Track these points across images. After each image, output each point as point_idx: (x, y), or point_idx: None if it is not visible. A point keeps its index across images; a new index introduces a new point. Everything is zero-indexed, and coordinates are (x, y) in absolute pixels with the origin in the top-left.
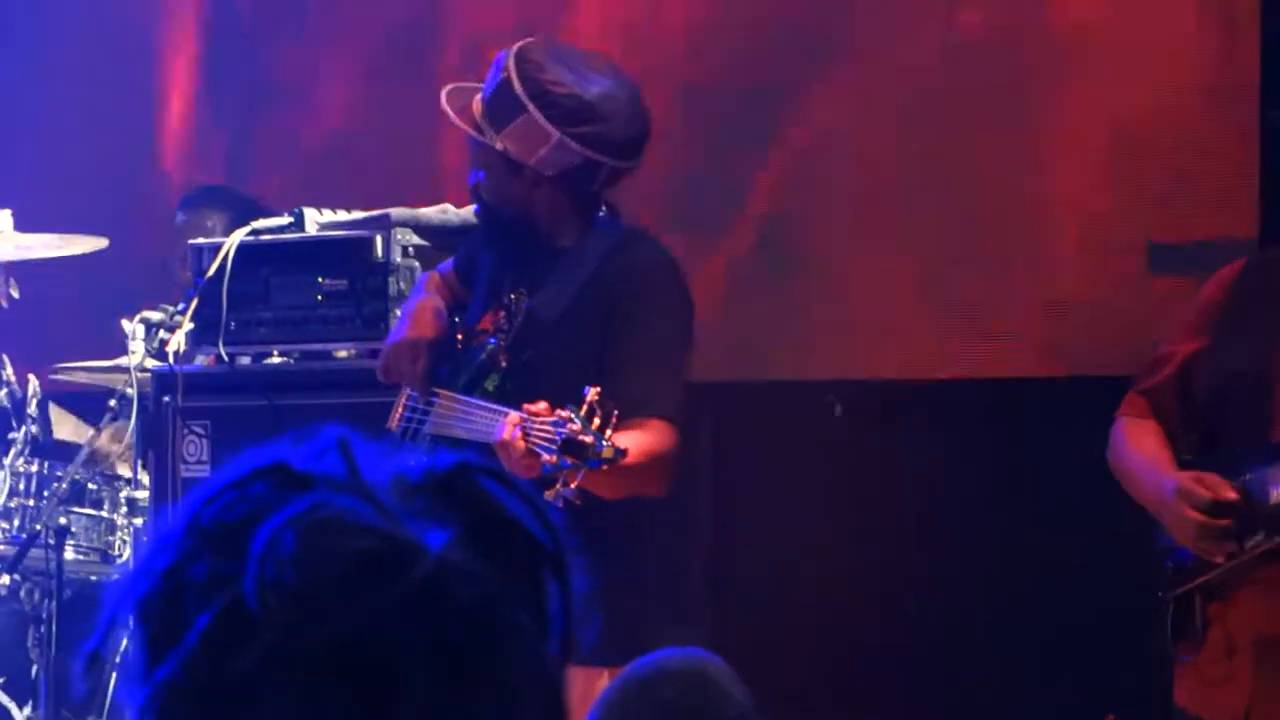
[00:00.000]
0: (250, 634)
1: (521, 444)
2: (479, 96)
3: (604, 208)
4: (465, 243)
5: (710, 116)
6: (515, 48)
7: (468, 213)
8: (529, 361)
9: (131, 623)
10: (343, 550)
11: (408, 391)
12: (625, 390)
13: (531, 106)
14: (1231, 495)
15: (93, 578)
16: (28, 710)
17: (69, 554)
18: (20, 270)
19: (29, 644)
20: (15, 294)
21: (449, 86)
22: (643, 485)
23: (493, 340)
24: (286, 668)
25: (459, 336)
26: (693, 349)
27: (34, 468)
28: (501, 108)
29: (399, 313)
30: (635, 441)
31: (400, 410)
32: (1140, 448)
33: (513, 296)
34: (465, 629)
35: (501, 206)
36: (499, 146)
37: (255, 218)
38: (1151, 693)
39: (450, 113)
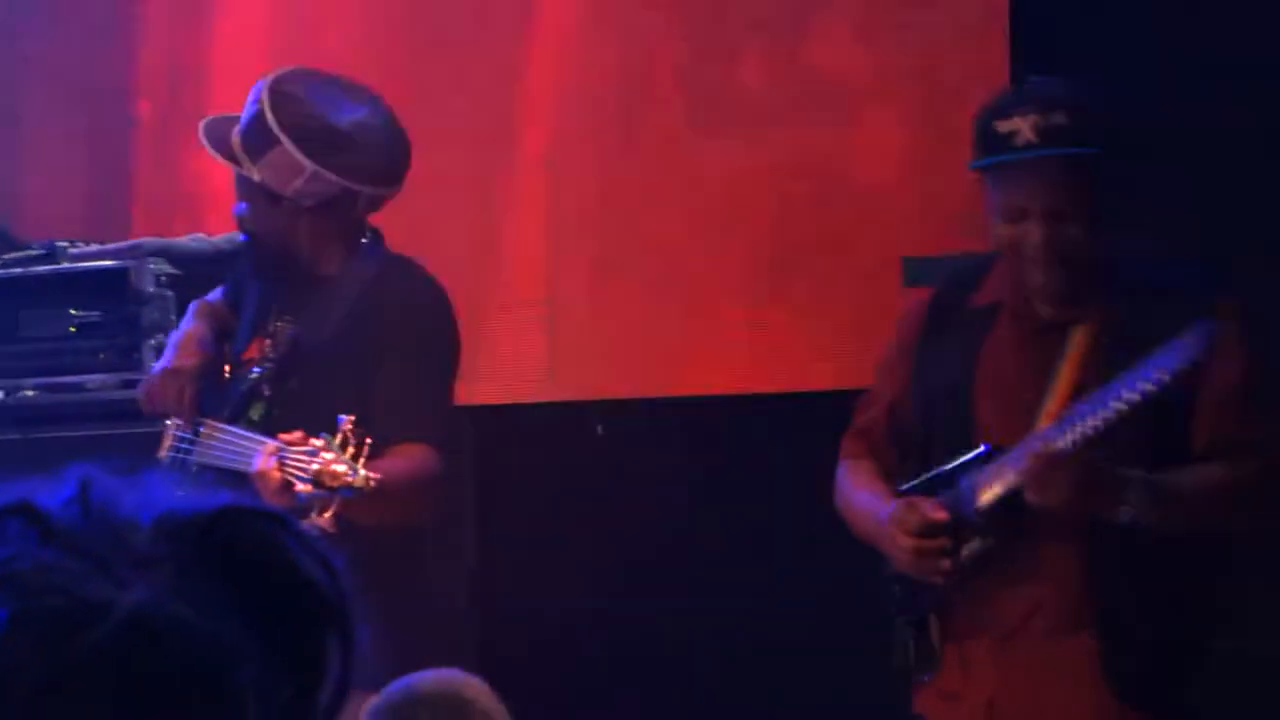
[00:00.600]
0: None
1: (277, 474)
2: (237, 128)
3: (368, 234)
4: (233, 271)
5: None
6: (269, 78)
7: (221, 240)
8: (293, 390)
9: None
10: (25, 609)
11: (176, 421)
12: (389, 416)
13: (284, 138)
14: (941, 515)
15: None
16: None
17: None
18: None
19: None
20: None
21: (207, 118)
22: (405, 511)
23: (257, 370)
24: None
25: (226, 366)
26: (457, 374)
27: None
28: (256, 139)
29: (164, 342)
30: (396, 468)
31: (169, 440)
32: (858, 485)
33: (278, 325)
34: (153, 688)
35: (265, 236)
36: (256, 178)
37: (6, 249)
38: (889, 705)
39: (206, 143)
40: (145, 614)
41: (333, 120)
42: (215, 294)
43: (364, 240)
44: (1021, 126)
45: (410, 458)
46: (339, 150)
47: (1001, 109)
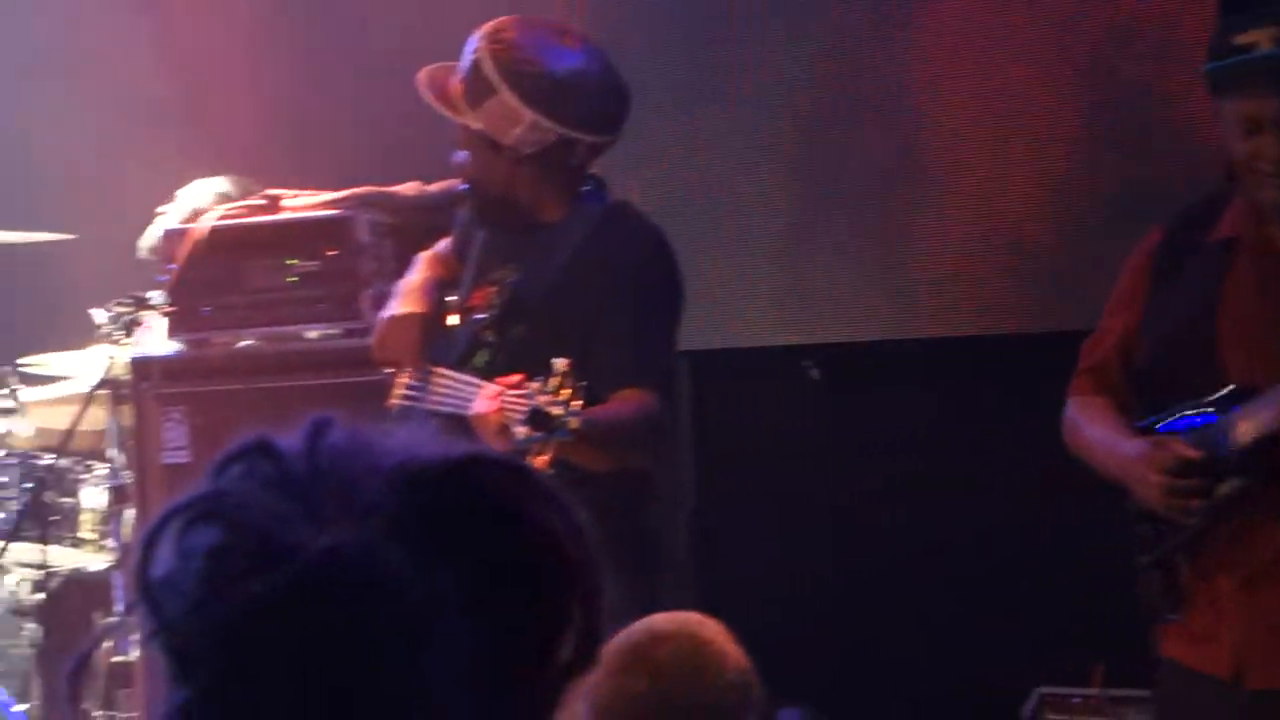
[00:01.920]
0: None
1: (496, 417)
2: (456, 77)
3: (589, 181)
4: (458, 220)
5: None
6: (486, 27)
7: (439, 189)
8: (517, 336)
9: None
10: (221, 544)
11: (405, 370)
12: (611, 361)
13: (503, 87)
14: (1194, 454)
15: (79, 567)
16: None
17: (53, 544)
18: None
19: (21, 636)
20: None
21: (428, 67)
22: (628, 454)
23: (481, 317)
24: (166, 650)
25: (452, 313)
26: (679, 320)
27: (12, 460)
28: (475, 88)
29: (382, 290)
30: (614, 411)
31: (399, 389)
32: (1094, 423)
33: (501, 273)
34: (330, 630)
35: (485, 185)
36: (476, 127)
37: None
38: (1140, 643)
39: (426, 93)
40: (332, 560)
41: (550, 68)
42: (442, 244)
43: (585, 188)
44: (1260, 39)
45: (630, 402)
46: (557, 99)
47: (1238, 23)
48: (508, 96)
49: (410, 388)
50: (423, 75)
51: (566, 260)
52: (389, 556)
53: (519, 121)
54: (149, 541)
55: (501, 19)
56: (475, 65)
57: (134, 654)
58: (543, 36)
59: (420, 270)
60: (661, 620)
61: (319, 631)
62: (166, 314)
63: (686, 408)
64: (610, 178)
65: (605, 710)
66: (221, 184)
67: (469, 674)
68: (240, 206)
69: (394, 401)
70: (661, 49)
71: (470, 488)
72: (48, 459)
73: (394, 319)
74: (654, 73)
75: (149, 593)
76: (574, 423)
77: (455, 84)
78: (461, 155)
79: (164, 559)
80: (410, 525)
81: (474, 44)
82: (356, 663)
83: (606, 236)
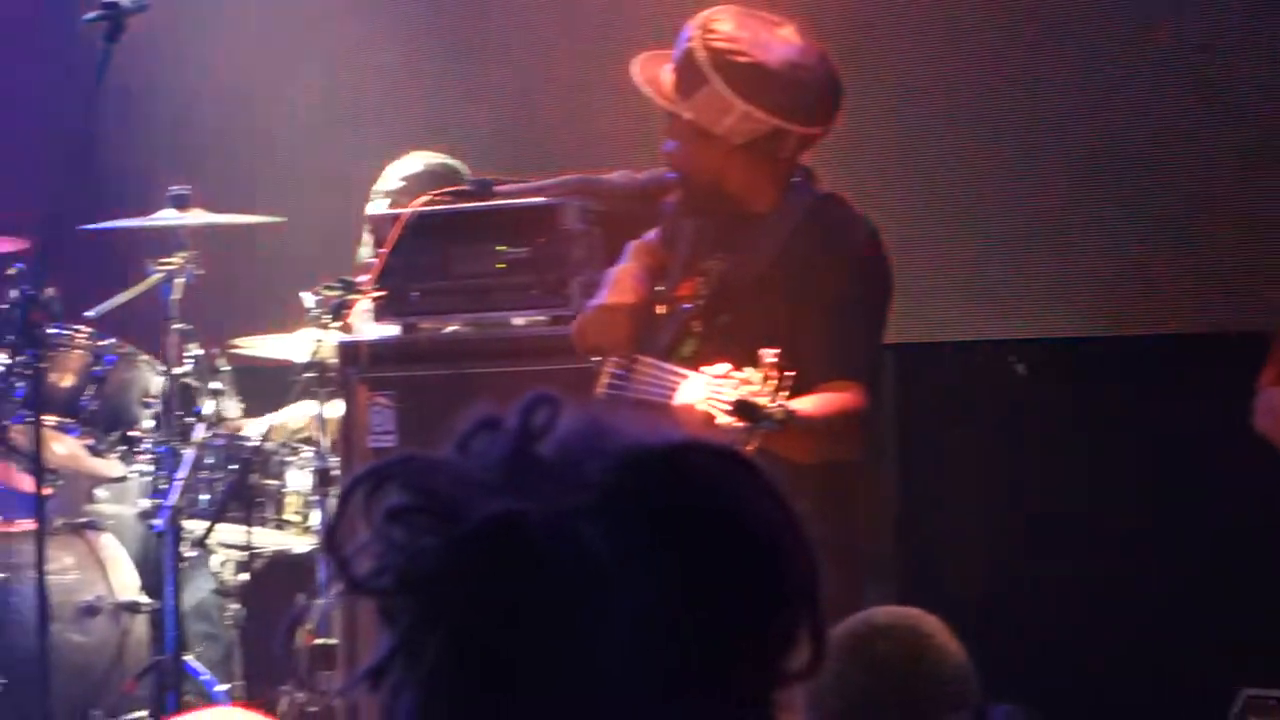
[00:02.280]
0: None
1: (701, 407)
2: (668, 66)
3: (799, 173)
4: (666, 210)
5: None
6: (699, 17)
7: (648, 178)
8: (724, 326)
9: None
10: (401, 506)
11: (611, 359)
12: (819, 353)
13: (715, 77)
14: None
15: (282, 549)
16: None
17: (258, 525)
18: (204, 246)
19: (223, 616)
20: (199, 270)
21: (641, 55)
22: (835, 447)
23: (688, 306)
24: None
25: (660, 303)
26: (887, 314)
27: (221, 440)
28: (687, 78)
29: (591, 279)
30: (821, 403)
31: (604, 377)
32: None
33: (709, 263)
34: (492, 601)
35: (695, 174)
36: (687, 116)
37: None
38: None
39: (640, 81)
40: (505, 525)
41: (763, 59)
42: (651, 234)
43: (795, 179)
44: None
45: (837, 395)
46: (769, 89)
47: None
48: (719, 87)
49: (615, 376)
50: (636, 63)
51: (776, 251)
52: (581, 531)
53: (730, 112)
54: (341, 504)
55: (715, 9)
56: (687, 55)
57: (335, 637)
58: (756, 27)
59: (629, 259)
60: (882, 614)
61: (480, 594)
62: (374, 298)
63: (890, 403)
64: (820, 169)
65: (822, 700)
66: (431, 159)
67: (667, 663)
68: (450, 192)
69: (599, 390)
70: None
71: (688, 475)
72: (254, 441)
73: (602, 308)
74: (863, 66)
75: (337, 552)
76: (780, 414)
77: (667, 73)
78: (671, 145)
79: (354, 522)
80: (619, 506)
81: (687, 33)
82: (516, 631)
83: (817, 228)
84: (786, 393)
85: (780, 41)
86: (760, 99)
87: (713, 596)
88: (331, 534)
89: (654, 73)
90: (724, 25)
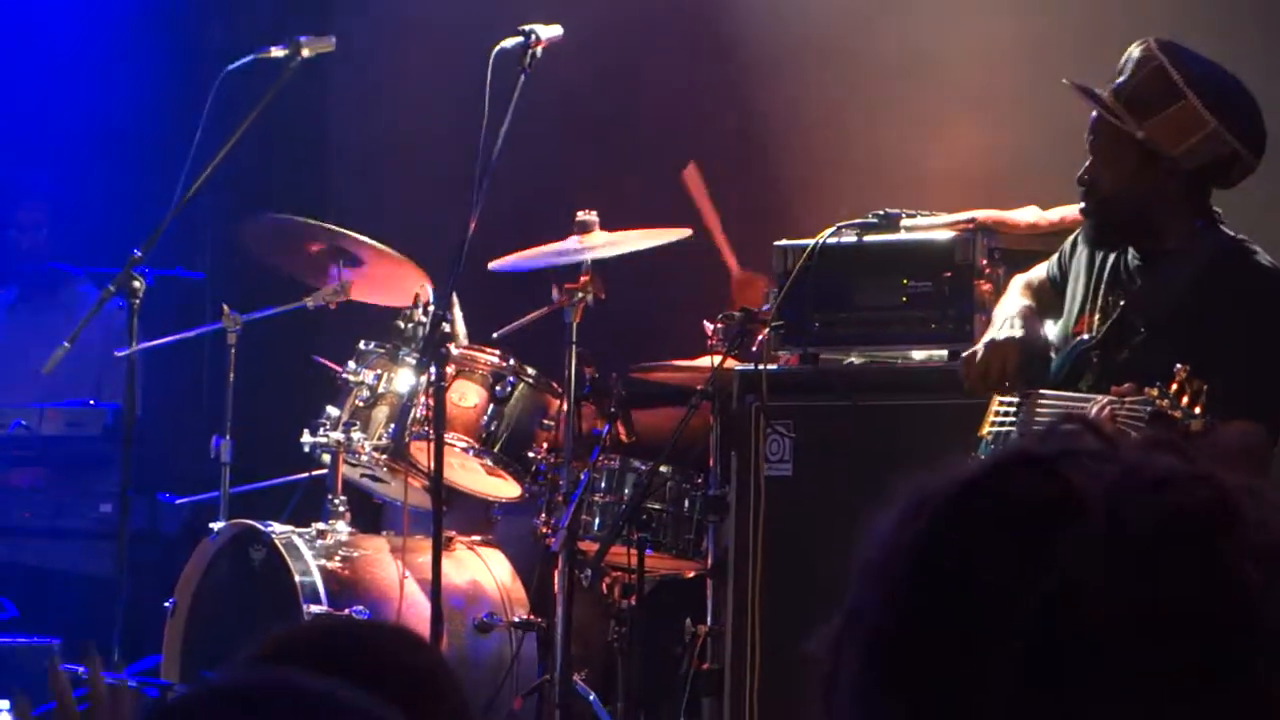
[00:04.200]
0: None
1: (1111, 425)
2: (1108, 88)
3: (1209, 214)
4: (1060, 250)
5: None
6: (1153, 38)
7: (1054, 216)
8: (1124, 362)
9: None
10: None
11: (998, 398)
12: (1223, 391)
13: (1190, 94)
14: None
15: (672, 573)
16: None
17: (649, 550)
18: (607, 270)
19: (610, 638)
20: (602, 295)
21: (1073, 80)
22: None
23: (1087, 338)
24: None
25: (1056, 339)
26: None
27: (614, 464)
28: (1150, 96)
29: (988, 316)
30: (1226, 433)
31: (991, 415)
32: None
33: (1111, 299)
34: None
35: (1119, 201)
36: (1140, 135)
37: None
38: None
39: (1089, 99)
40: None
41: (1226, 81)
42: (1037, 270)
43: (1200, 222)
44: None
45: (1238, 429)
46: (1239, 111)
47: None
48: (1194, 103)
49: (1004, 412)
50: (1071, 83)
51: (1184, 288)
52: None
53: (1198, 130)
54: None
55: (1161, 37)
56: (1156, 72)
57: (719, 662)
58: (1197, 53)
59: (1015, 295)
60: None
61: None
62: (775, 328)
63: None
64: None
65: None
66: None
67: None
68: (856, 224)
69: (986, 427)
70: None
71: (1170, 510)
72: (647, 465)
73: (989, 344)
74: None
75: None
76: (1196, 425)
77: (1109, 94)
78: (1097, 170)
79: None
80: (1116, 542)
81: (1143, 52)
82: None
83: (1228, 269)
84: (1201, 406)
85: (1222, 68)
86: (1233, 120)
87: (1164, 654)
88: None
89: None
90: (1179, 46)
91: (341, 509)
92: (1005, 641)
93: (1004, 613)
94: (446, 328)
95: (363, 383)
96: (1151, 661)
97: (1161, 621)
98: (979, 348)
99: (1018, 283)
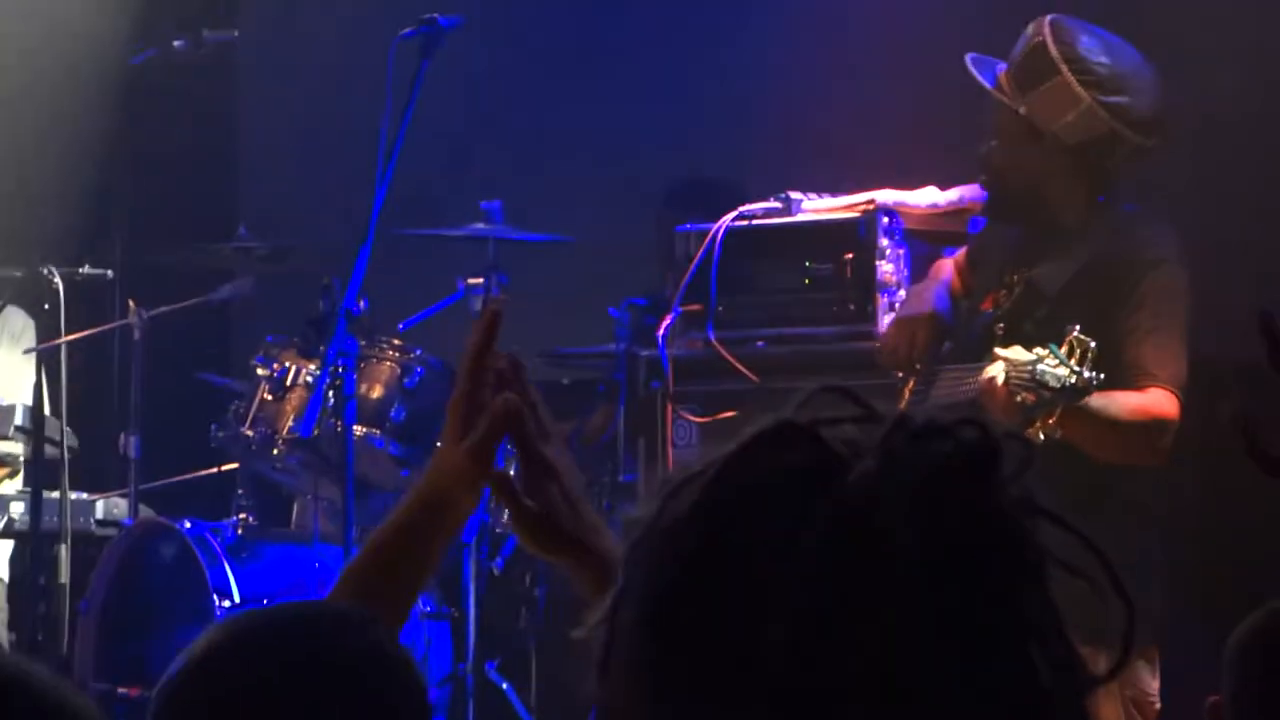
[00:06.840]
0: None
1: (1001, 387)
2: (1001, 66)
3: (1109, 194)
4: (975, 227)
5: None
6: (1046, 16)
7: (952, 195)
8: (1026, 334)
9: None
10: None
11: (913, 375)
12: (1128, 357)
13: (1065, 69)
14: None
15: None
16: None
17: None
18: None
19: (521, 625)
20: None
21: (972, 54)
22: (1137, 447)
23: (991, 313)
24: None
25: (963, 317)
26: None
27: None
28: (1031, 71)
29: (899, 297)
30: (1134, 401)
31: (906, 392)
32: None
33: (1014, 276)
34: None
35: (1011, 175)
36: (1022, 110)
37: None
38: None
39: (976, 74)
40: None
41: (1114, 60)
42: (955, 252)
43: (1102, 199)
44: None
45: (1148, 394)
46: (1116, 90)
47: None
48: (1068, 78)
49: (917, 391)
50: (970, 59)
51: (1085, 261)
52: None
53: (1074, 106)
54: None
55: (1058, 14)
56: (1037, 48)
57: None
58: (1099, 33)
59: (932, 275)
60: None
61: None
62: (679, 313)
63: (1194, 419)
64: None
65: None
66: None
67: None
68: (757, 209)
69: (902, 406)
70: None
71: (950, 449)
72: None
73: (900, 321)
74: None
75: None
76: (1080, 382)
77: (1000, 73)
78: (992, 144)
79: None
80: (890, 472)
81: (1033, 29)
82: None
83: (1129, 237)
84: (1087, 363)
85: (1126, 48)
86: (1107, 98)
87: (965, 571)
88: None
89: (987, 69)
90: (1073, 24)
91: (251, 503)
92: (778, 599)
93: (773, 573)
94: (354, 319)
95: (271, 376)
96: (932, 602)
97: (937, 560)
98: (888, 326)
99: (944, 263)
